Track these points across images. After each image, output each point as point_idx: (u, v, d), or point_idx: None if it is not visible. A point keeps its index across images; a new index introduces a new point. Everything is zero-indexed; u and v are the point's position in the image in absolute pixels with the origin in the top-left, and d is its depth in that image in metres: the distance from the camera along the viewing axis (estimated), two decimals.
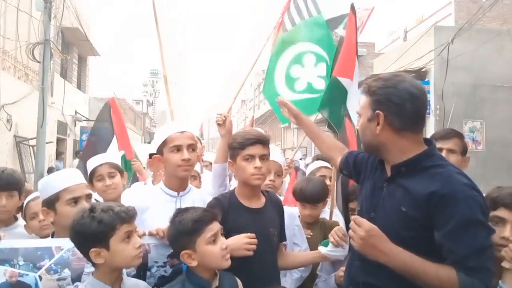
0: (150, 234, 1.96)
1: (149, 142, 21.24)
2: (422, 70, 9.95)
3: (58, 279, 1.81)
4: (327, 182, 2.95)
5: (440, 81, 9.46)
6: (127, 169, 3.99)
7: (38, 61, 10.09)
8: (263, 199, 2.19)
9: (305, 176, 3.49)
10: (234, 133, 2.38)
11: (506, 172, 9.04)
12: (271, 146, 2.32)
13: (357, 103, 2.60)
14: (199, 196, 2.26)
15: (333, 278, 2.35)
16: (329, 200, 2.80)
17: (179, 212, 1.85)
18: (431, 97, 9.68)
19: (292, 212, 2.52)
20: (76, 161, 11.77)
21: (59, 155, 13.80)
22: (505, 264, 1.68)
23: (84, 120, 16.51)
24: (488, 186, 1.93)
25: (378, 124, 1.70)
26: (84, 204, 1.98)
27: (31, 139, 10.77)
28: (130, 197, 2.59)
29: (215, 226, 1.81)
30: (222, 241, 1.82)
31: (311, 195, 2.59)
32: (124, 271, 1.80)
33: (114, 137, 4.40)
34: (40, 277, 1.80)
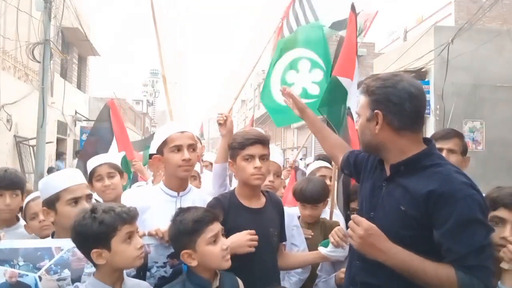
0: (150, 235, 1.96)
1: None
2: (422, 70, 9.95)
3: (58, 280, 1.81)
4: (327, 182, 2.94)
5: (440, 81, 9.46)
6: (128, 170, 3.99)
7: (38, 61, 10.08)
8: (263, 199, 2.19)
9: (305, 176, 3.49)
10: (234, 133, 2.38)
11: (506, 172, 9.04)
12: (271, 146, 2.32)
13: (356, 103, 2.60)
14: (199, 196, 2.26)
15: (333, 279, 2.35)
16: (329, 200, 2.80)
17: (181, 211, 1.85)
18: (431, 97, 9.68)
19: (291, 213, 2.51)
20: (76, 161, 11.76)
21: (61, 155, 13.78)
22: (504, 265, 1.67)
23: (84, 120, 16.51)
24: (488, 186, 1.92)
25: (377, 123, 1.71)
26: (85, 205, 1.99)
27: (31, 139, 10.77)
28: (130, 197, 2.59)
29: (216, 227, 1.81)
30: (223, 241, 1.81)
31: (311, 195, 2.59)
32: (124, 271, 1.80)
33: (114, 138, 4.41)
34: (40, 278, 1.80)
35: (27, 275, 1.79)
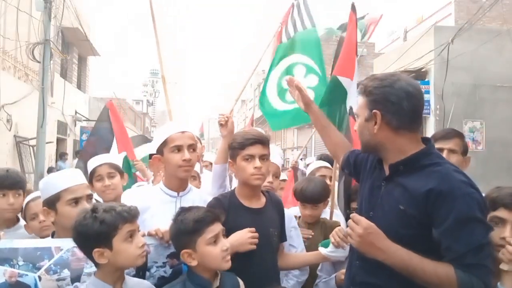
0: (150, 235, 1.96)
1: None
2: (422, 70, 9.95)
3: (58, 280, 1.81)
4: (327, 182, 2.94)
5: (440, 81, 9.46)
6: (129, 171, 3.98)
7: (38, 61, 10.09)
8: (263, 199, 2.19)
9: (305, 176, 3.49)
10: (234, 133, 2.37)
11: (506, 172, 9.04)
12: (271, 146, 2.31)
13: (356, 103, 2.60)
14: (199, 196, 2.26)
15: (333, 279, 2.35)
16: (330, 200, 2.79)
17: (182, 210, 1.85)
18: (431, 97, 9.68)
19: (289, 214, 2.50)
20: (76, 161, 11.74)
21: (63, 155, 13.75)
22: (503, 266, 1.66)
23: (84, 120, 16.51)
24: (488, 186, 1.92)
25: (375, 123, 1.71)
26: (85, 205, 1.99)
27: (31, 139, 10.77)
28: (130, 197, 2.59)
29: (217, 228, 1.81)
30: (223, 242, 1.81)
31: (311, 195, 2.59)
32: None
33: (115, 138, 4.41)
34: (40, 278, 1.80)
35: (27, 275, 1.79)
